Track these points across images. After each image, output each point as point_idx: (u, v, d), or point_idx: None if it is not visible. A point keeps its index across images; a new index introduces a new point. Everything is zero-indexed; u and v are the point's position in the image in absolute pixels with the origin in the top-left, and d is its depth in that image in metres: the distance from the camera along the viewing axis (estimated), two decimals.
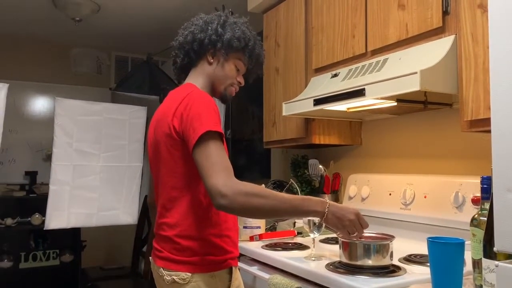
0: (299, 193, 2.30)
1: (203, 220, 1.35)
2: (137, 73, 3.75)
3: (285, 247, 1.79)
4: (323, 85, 1.94)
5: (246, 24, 1.52)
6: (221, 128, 1.27)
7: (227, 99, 1.55)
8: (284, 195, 1.27)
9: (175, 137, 1.32)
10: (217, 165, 1.19)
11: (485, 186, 1.09)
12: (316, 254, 1.58)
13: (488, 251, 0.94)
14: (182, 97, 1.34)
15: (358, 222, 1.33)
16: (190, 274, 1.32)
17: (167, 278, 1.34)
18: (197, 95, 1.33)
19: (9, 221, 3.32)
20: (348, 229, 1.32)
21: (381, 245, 1.36)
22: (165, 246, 1.37)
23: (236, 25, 1.49)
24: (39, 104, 3.90)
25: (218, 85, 1.50)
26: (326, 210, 1.29)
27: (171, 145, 1.34)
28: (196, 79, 1.48)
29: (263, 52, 1.57)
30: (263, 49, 1.58)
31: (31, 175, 3.70)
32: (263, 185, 1.41)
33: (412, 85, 1.37)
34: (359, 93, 1.57)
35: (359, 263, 1.36)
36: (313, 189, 2.48)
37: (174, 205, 1.37)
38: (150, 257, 1.50)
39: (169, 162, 1.36)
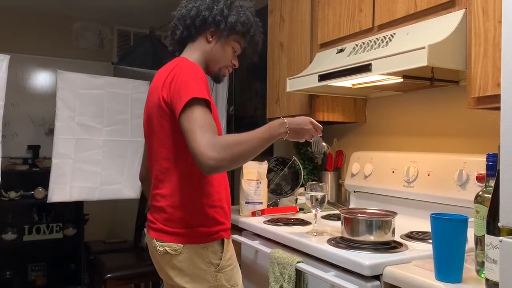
0: (302, 171, 2.30)
1: (195, 190, 1.36)
2: (140, 47, 3.71)
3: (287, 222, 1.79)
4: (328, 60, 1.91)
5: (251, 9, 1.54)
6: (207, 96, 1.26)
7: (220, 79, 1.57)
8: (250, 133, 1.27)
9: (164, 108, 1.33)
10: (201, 129, 1.18)
11: (491, 163, 1.08)
12: (318, 230, 1.59)
13: (492, 227, 0.94)
14: (171, 68, 1.35)
15: (313, 128, 1.43)
16: (182, 245, 1.33)
17: (160, 249, 1.35)
18: (185, 65, 1.34)
19: (12, 194, 3.35)
20: (306, 137, 1.44)
21: (383, 221, 1.36)
22: (158, 217, 1.39)
23: (241, 8, 1.49)
24: (41, 78, 3.87)
25: (213, 64, 1.51)
26: (287, 130, 1.37)
27: (161, 116, 1.35)
28: (191, 54, 1.49)
29: (261, 40, 1.59)
30: (262, 36, 1.60)
31: (34, 149, 3.70)
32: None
33: (419, 61, 1.35)
34: (365, 68, 1.55)
35: (360, 238, 1.36)
36: (315, 166, 2.47)
37: (166, 176, 1.38)
38: (144, 229, 1.52)
39: (160, 133, 1.37)
